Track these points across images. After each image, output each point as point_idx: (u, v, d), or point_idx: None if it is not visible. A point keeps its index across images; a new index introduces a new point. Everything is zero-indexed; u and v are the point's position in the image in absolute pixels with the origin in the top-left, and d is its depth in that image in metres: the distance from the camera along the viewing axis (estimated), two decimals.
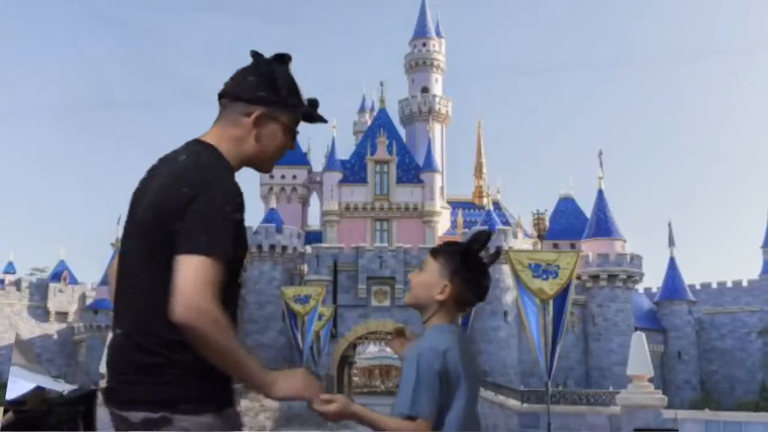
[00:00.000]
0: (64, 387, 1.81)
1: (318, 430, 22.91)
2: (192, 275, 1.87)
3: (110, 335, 2.14)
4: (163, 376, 1.92)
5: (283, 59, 2.20)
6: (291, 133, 2.22)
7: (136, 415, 1.90)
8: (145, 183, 2.10)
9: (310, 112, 2.23)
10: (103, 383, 2.08)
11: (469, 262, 2.31)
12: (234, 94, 2.16)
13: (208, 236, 1.92)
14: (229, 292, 2.01)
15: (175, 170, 2.04)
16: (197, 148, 2.11)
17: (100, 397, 1.99)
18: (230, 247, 1.95)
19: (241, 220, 2.03)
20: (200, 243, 1.91)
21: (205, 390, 1.94)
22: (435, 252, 2.36)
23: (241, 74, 2.18)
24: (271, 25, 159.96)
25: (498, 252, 2.44)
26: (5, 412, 1.72)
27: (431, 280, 2.30)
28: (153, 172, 2.11)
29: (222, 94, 2.19)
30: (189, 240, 1.92)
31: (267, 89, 2.14)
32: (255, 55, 2.19)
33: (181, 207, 1.95)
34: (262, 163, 2.23)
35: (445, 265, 2.30)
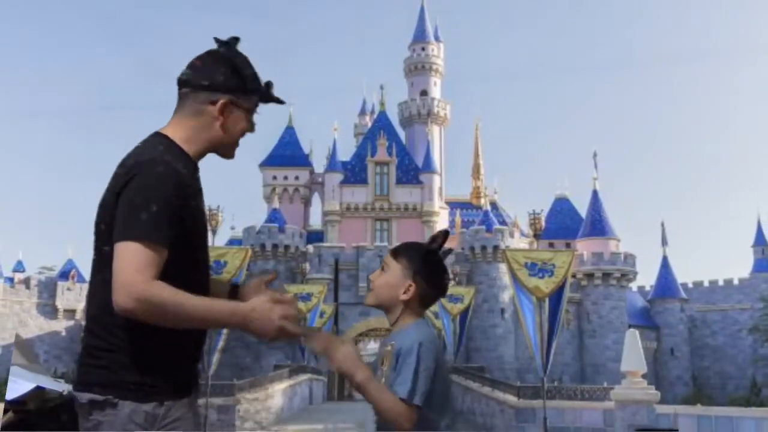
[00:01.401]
0: (64, 387, 1.78)
1: (318, 425, 22.87)
2: (125, 262, 1.84)
3: None
4: (107, 360, 1.91)
5: (234, 43, 2.16)
6: (251, 117, 2.20)
7: (83, 396, 1.88)
8: None
9: (269, 95, 2.20)
10: None
11: (430, 261, 2.32)
12: (196, 83, 2.11)
13: (138, 221, 1.88)
14: (187, 275, 1.98)
15: (119, 164, 2.04)
16: (149, 138, 2.09)
17: None
18: (166, 228, 1.90)
19: (183, 201, 1.97)
20: (131, 228, 1.87)
21: (151, 378, 1.91)
22: (395, 252, 2.34)
23: (201, 62, 2.13)
24: (273, 27, 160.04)
25: (449, 250, 2.43)
26: (5, 412, 1.69)
27: (394, 281, 2.29)
28: None
29: (183, 83, 2.14)
30: (121, 227, 1.89)
31: (230, 77, 2.11)
32: (219, 42, 2.14)
33: (115, 197, 1.95)
34: (228, 149, 2.20)
35: (407, 266, 2.29)
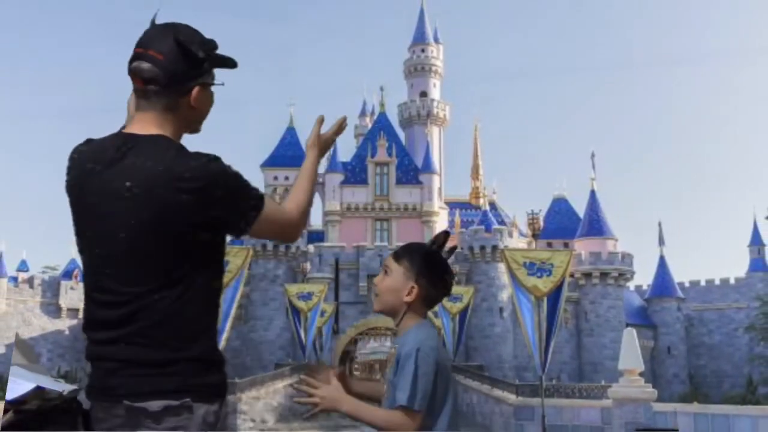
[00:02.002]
0: (64, 387, 1.76)
1: (319, 429, 22.84)
2: (278, 215, 2.14)
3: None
4: (174, 368, 1.92)
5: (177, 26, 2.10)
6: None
7: (153, 404, 1.87)
8: None
9: (224, 60, 2.14)
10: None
11: (432, 262, 2.32)
12: (167, 81, 2.04)
13: (255, 193, 2.10)
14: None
15: (178, 171, 2.04)
16: (165, 144, 2.04)
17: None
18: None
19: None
20: (258, 198, 2.10)
21: (216, 379, 1.98)
22: (397, 255, 2.34)
23: (162, 56, 2.03)
24: (274, 29, 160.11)
25: (453, 248, 2.43)
26: (5, 412, 1.68)
27: (397, 284, 2.29)
28: None
29: (149, 81, 2.04)
30: (245, 204, 2.09)
31: (195, 64, 2.06)
32: (158, 25, 2.10)
33: (204, 204, 2.03)
34: (197, 126, 2.20)
35: (410, 268, 2.29)
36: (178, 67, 2.03)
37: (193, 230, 1.95)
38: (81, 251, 2.05)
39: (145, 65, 2.02)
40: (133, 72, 2.06)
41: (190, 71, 2.05)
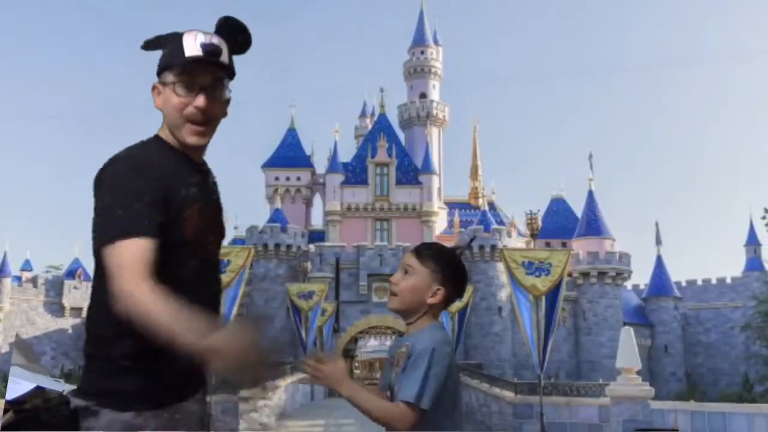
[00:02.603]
0: (64, 387, 1.75)
1: (319, 420, 22.86)
2: (109, 267, 1.74)
3: None
4: (95, 366, 1.86)
5: (226, 23, 2.06)
6: (188, 92, 1.94)
7: (74, 401, 1.81)
8: None
9: (202, 55, 1.93)
10: None
11: (460, 268, 2.28)
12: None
13: (109, 223, 1.78)
14: (186, 271, 1.90)
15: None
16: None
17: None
18: (143, 221, 1.77)
19: (155, 191, 1.83)
20: (104, 234, 1.78)
21: (131, 387, 1.81)
22: (421, 256, 2.26)
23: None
24: (275, 31, 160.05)
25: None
26: (5, 412, 1.67)
27: (421, 285, 2.22)
28: None
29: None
30: (97, 234, 1.81)
31: (160, 61, 1.99)
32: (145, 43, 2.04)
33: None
34: (176, 132, 1.97)
35: (436, 269, 2.23)
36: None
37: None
38: None
39: None
40: None
41: (159, 66, 2.00)
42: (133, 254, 1.73)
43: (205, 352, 1.63)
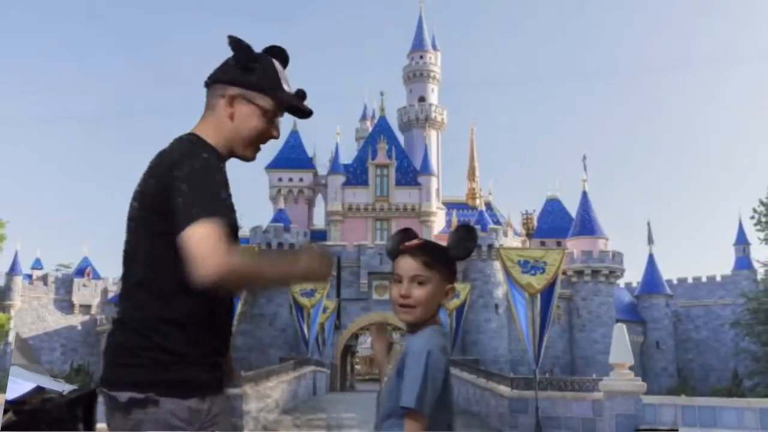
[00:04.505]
0: (64, 387, 1.72)
1: (321, 414, 22.82)
2: (199, 241, 1.78)
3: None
4: (147, 358, 1.84)
5: (273, 51, 2.12)
6: (270, 120, 2.09)
7: (122, 395, 1.82)
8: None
9: (295, 104, 2.11)
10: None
11: (453, 261, 2.22)
12: (212, 77, 2.08)
13: (198, 205, 1.83)
14: None
15: (154, 160, 1.99)
16: (180, 137, 2.04)
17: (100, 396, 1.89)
18: (221, 211, 1.86)
19: (225, 192, 1.94)
20: (194, 213, 1.82)
21: (190, 375, 1.85)
22: (426, 263, 2.13)
23: (225, 61, 2.10)
24: (277, 33, 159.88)
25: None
26: (5, 412, 1.64)
27: (438, 291, 2.13)
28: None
29: (205, 83, 2.12)
30: (184, 215, 1.83)
31: (244, 72, 2.04)
32: (231, 40, 2.07)
33: (163, 189, 1.89)
34: (243, 148, 2.09)
35: (443, 270, 2.15)
36: (225, 69, 2.07)
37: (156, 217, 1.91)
38: None
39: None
40: None
41: (231, 75, 2.05)
42: (219, 231, 1.84)
43: (304, 273, 1.97)
